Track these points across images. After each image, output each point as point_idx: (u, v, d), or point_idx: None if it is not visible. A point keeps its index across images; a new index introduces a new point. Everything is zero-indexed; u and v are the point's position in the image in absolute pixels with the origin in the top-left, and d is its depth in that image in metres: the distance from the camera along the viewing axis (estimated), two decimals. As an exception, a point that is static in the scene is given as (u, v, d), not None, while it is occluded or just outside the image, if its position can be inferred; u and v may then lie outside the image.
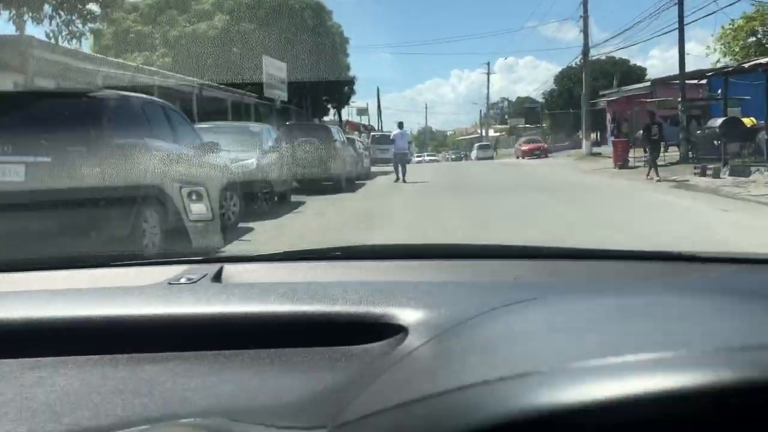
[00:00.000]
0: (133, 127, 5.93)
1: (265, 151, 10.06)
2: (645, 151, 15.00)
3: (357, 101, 37.98)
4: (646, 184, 13.21)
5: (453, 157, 42.80)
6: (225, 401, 0.66)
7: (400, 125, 18.40)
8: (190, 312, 0.82)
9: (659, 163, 15.40)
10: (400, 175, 16.40)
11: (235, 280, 1.12)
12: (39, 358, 0.76)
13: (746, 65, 15.55)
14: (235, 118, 15.74)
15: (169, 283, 1.05)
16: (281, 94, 18.96)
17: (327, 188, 13.49)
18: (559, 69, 46.69)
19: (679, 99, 17.95)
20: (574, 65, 37.22)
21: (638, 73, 39.78)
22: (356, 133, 28.85)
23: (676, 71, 18.78)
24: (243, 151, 9.56)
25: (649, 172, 14.07)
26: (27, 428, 0.63)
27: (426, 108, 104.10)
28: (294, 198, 11.54)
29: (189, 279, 1.07)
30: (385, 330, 0.75)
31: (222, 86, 16.66)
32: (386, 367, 0.63)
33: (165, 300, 0.87)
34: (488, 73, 55.71)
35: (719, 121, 14.23)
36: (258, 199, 9.37)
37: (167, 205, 5.50)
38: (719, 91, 18.32)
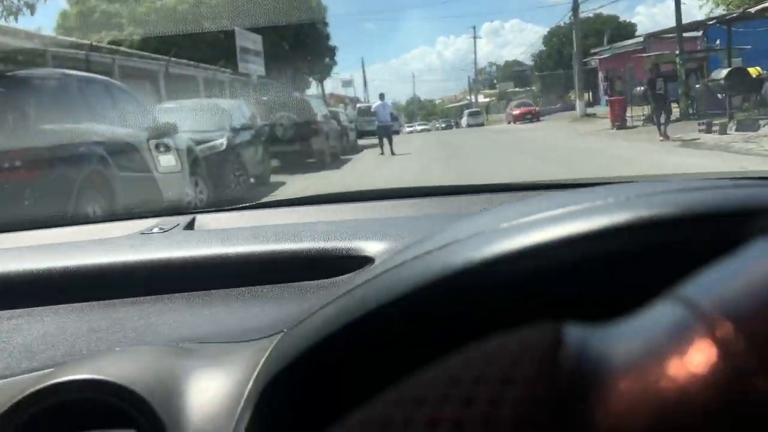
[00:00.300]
0: (66, 109, 5.09)
1: (236, 129, 9.16)
2: (652, 110, 14.02)
3: (341, 73, 36.88)
4: (651, 145, 12.36)
5: (443, 125, 41.65)
6: (195, 332, 0.67)
7: (381, 96, 17.68)
8: (161, 257, 0.84)
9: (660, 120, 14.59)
10: (386, 149, 15.67)
11: (207, 228, 1.14)
12: (15, 309, 0.78)
13: (753, 11, 14.63)
14: (209, 96, 14.77)
15: (142, 233, 1.08)
16: (258, 69, 17.92)
17: (310, 166, 12.68)
18: (546, 30, 45.64)
19: (677, 52, 17.04)
20: (562, 24, 36.26)
21: (628, 30, 38.78)
22: (341, 105, 27.89)
23: (664, 26, 17.88)
24: (211, 131, 8.69)
25: (662, 133, 13.16)
26: (3, 365, 0.65)
27: (413, 77, 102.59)
28: (274, 179, 10.74)
29: (161, 229, 1.10)
30: (354, 263, 0.76)
31: (192, 63, 15.63)
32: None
33: (137, 248, 0.88)
34: (474, 37, 54.50)
35: (724, 72, 13.37)
36: (230, 183, 8.57)
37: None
38: (717, 42, 17.43)
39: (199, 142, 8.01)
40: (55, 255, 0.89)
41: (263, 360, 0.51)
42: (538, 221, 0.40)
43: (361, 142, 19.96)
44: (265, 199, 1.74)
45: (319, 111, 14.41)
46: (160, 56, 14.00)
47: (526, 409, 0.17)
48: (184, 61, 15.31)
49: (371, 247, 0.79)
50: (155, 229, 1.11)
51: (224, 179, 8.28)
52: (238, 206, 1.38)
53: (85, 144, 5.05)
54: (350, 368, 0.43)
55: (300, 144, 12.93)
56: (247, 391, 0.52)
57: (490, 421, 0.17)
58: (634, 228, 0.35)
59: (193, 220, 1.17)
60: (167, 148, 6.73)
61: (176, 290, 0.79)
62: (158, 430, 0.53)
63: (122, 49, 12.66)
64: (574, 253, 0.37)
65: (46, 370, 0.59)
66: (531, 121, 30.16)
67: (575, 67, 25.57)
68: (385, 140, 15.80)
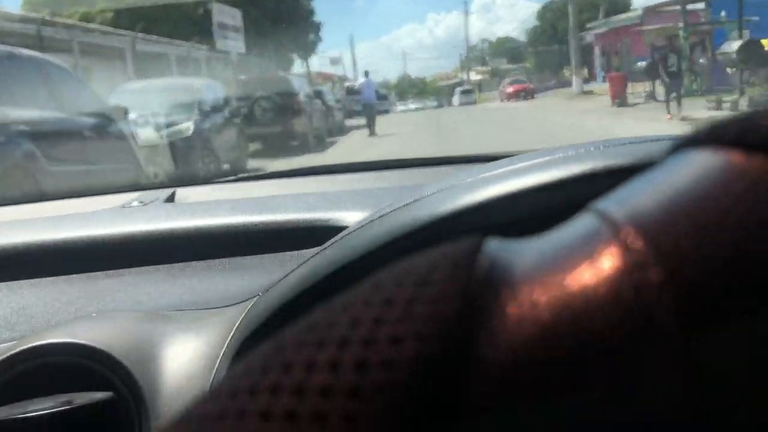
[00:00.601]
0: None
1: (206, 111, 8.24)
2: (666, 87, 13.05)
3: (329, 51, 35.72)
4: (661, 125, 11.49)
5: (435, 104, 40.48)
6: (175, 302, 0.67)
7: (366, 74, 16.92)
8: (141, 229, 0.83)
9: (660, 98, 13.74)
10: (371, 128, 15.09)
11: (187, 202, 1.13)
12: None
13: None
14: (183, 75, 13.77)
15: (122, 207, 1.09)
16: (237, 46, 16.92)
17: (292, 149, 11.79)
18: (540, 5, 44.58)
19: (681, 25, 16.14)
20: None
21: (624, 3, 37.80)
22: (329, 84, 26.92)
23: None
24: (177, 114, 7.79)
25: (671, 111, 12.27)
26: None
27: (404, 55, 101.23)
28: (253, 164, 9.86)
29: (141, 202, 1.11)
30: (333, 233, 0.70)
31: (162, 39, 14.60)
32: None
33: (117, 221, 0.87)
34: (466, 12, 53.42)
35: (736, 45, 12.47)
36: (199, 171, 7.70)
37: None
38: (723, 14, 16.53)
39: (162, 127, 7.13)
40: (33, 229, 0.88)
41: (239, 321, 0.54)
42: (496, 176, 0.42)
43: (350, 122, 19.04)
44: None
45: (302, 90, 13.47)
46: (124, 32, 13.00)
47: (434, 320, 0.17)
48: (154, 37, 14.28)
49: (350, 218, 0.79)
50: (135, 203, 1.11)
51: (191, 167, 7.41)
52: (218, 180, 1.39)
53: (2, 133, 4.16)
54: None
55: (281, 126, 12.02)
56: (223, 351, 0.54)
57: (397, 335, 0.17)
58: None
59: (174, 193, 1.17)
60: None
61: (157, 262, 0.79)
62: (135, 392, 0.53)
63: (80, 23, 11.61)
64: (524, 206, 0.40)
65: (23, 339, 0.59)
66: (525, 98, 29.30)
67: (571, 41, 24.59)
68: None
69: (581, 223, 0.19)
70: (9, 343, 0.59)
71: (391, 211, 0.46)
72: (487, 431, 0.17)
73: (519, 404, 0.17)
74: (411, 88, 58.30)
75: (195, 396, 0.17)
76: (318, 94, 15.71)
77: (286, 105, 12.04)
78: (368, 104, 15.77)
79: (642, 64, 15.62)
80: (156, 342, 0.57)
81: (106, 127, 5.16)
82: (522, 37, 44.17)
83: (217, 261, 0.78)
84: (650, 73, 14.75)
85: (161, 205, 1.09)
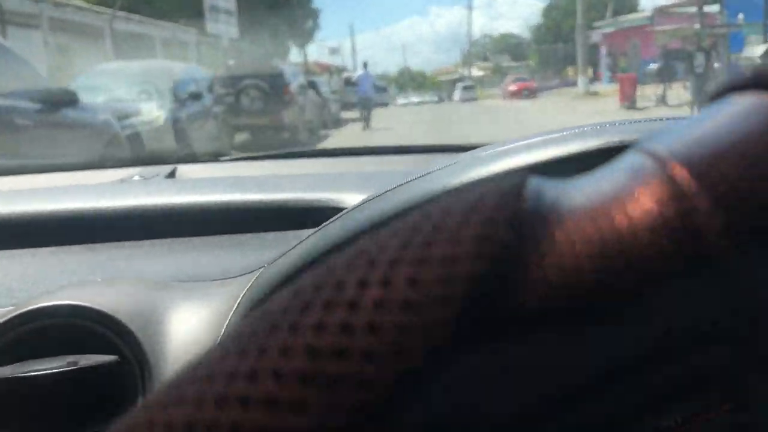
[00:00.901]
0: None
1: (182, 99, 7.44)
2: (693, 90, 12.26)
3: (329, 41, 34.79)
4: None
5: (436, 99, 39.56)
6: (176, 274, 0.68)
7: (364, 65, 16.24)
8: (142, 203, 0.84)
9: (671, 102, 13.02)
10: (366, 122, 14.57)
11: (188, 178, 1.15)
12: None
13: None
14: (169, 58, 12.91)
15: (122, 181, 1.09)
16: (229, 30, 16.09)
17: (281, 143, 11.02)
18: (542, 3, 43.74)
19: (697, 26, 15.37)
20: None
21: (632, 3, 37.04)
22: (326, 74, 26.10)
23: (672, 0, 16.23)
24: (148, 101, 7.00)
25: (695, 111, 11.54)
26: None
27: (404, 48, 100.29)
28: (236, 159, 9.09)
29: (142, 177, 1.11)
30: (333, 213, 0.70)
31: (144, 19, 13.72)
32: None
33: (118, 194, 0.88)
34: (470, 7, 52.56)
35: (760, 49, 11.74)
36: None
37: None
38: (740, 16, 15.78)
39: (127, 115, 6.33)
40: (33, 199, 0.89)
41: (245, 291, 0.55)
42: (512, 150, 0.42)
43: (347, 114, 18.26)
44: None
45: (295, 79, 12.66)
46: (101, 8, 12.13)
47: (484, 242, 0.18)
48: (136, 16, 13.40)
49: (350, 199, 0.80)
50: (136, 177, 1.12)
51: (161, 162, 6.62)
52: (219, 158, 1.40)
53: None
54: None
55: (270, 117, 11.23)
56: (228, 320, 0.54)
57: (448, 255, 0.18)
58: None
59: (174, 170, 1.17)
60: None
61: (157, 236, 0.80)
62: (140, 356, 0.54)
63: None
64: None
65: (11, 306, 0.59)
66: (528, 97, 28.55)
67: (578, 39, 23.77)
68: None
69: (627, 160, 0.20)
70: (8, 308, 0.59)
71: (397, 187, 0.46)
72: (535, 348, 0.18)
73: (567, 323, 0.17)
74: (411, 82, 57.44)
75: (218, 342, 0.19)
76: (312, 85, 14.91)
77: (275, 94, 11.25)
78: (365, 97, 15.14)
79: (654, 66, 14.85)
80: (160, 308, 0.57)
81: (49, 112, 4.37)
82: (525, 34, 43.32)
83: (217, 237, 0.79)
84: (663, 76, 14.01)
85: (162, 181, 1.11)
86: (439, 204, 0.20)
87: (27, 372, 0.52)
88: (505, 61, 46.14)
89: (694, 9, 16.41)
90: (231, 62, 13.36)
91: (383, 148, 1.51)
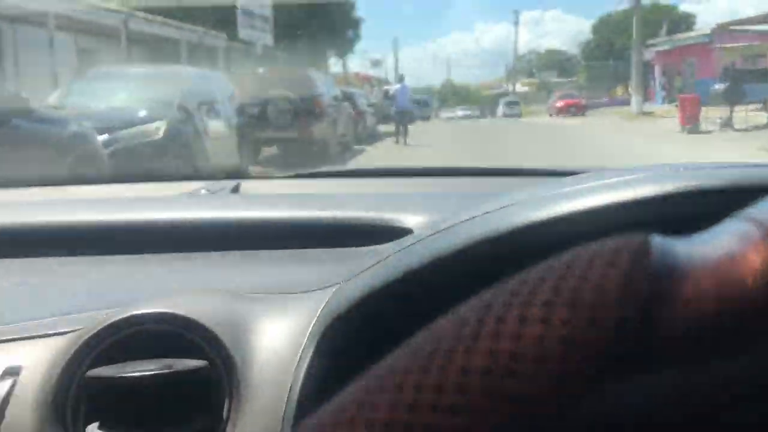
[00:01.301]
0: None
1: (188, 109, 6.55)
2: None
3: (372, 53, 33.93)
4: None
5: (477, 114, 38.34)
6: (246, 286, 0.70)
7: (401, 78, 15.44)
8: (206, 216, 0.88)
9: (738, 126, 11.78)
10: (403, 138, 13.78)
11: (252, 194, 1.18)
12: (75, 256, 0.82)
13: None
14: (195, 65, 12.07)
15: (191, 194, 1.11)
16: (263, 36, 15.29)
17: (309, 158, 10.11)
18: (589, 22, 42.43)
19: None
20: (614, 12, 33.18)
21: (687, 21, 35.54)
22: (366, 86, 25.27)
23: (730, 18, 14.95)
24: (151, 110, 6.14)
25: None
26: (70, 304, 0.67)
27: (448, 61, 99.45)
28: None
29: (208, 191, 1.13)
30: (392, 233, 0.80)
31: (167, 22, 12.88)
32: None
33: (182, 207, 0.95)
34: (516, 22, 51.43)
35: None
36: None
37: None
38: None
39: (116, 127, 5.45)
40: (108, 208, 0.94)
41: (323, 305, 0.58)
42: (593, 188, 0.45)
43: (386, 128, 17.33)
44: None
45: (328, 91, 11.77)
46: (116, 8, 11.36)
47: (626, 292, 0.22)
48: (158, 17, 12.59)
49: (410, 219, 0.82)
50: (202, 191, 1.13)
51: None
52: (281, 175, 1.44)
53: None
54: (407, 313, 0.47)
55: (298, 130, 10.35)
56: (308, 332, 0.57)
57: (596, 302, 0.22)
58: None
59: (238, 185, 1.19)
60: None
61: (225, 249, 0.82)
62: (227, 363, 0.57)
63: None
64: (620, 218, 0.41)
65: (116, 309, 0.63)
66: (575, 114, 27.30)
67: (634, 56, 22.39)
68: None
69: (733, 226, 0.23)
70: (99, 311, 0.63)
71: (482, 215, 0.49)
72: (664, 381, 0.22)
73: (692, 362, 0.22)
74: (453, 96, 56.45)
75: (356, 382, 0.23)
76: (348, 97, 14.05)
77: (305, 106, 10.37)
78: (401, 111, 14.33)
79: (719, 86, 13.61)
80: (244, 318, 0.61)
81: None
82: (572, 51, 42.03)
83: (278, 252, 0.82)
84: (730, 97, 12.78)
85: (228, 195, 1.12)
86: (579, 257, 0.23)
87: (128, 373, 0.55)
88: (551, 77, 44.91)
89: (759, 26, 15.16)
90: (260, 70, 12.54)
91: (437, 170, 1.57)
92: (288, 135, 10.29)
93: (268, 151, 10.61)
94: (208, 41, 14.44)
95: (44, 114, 4.14)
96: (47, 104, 6.38)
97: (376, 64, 37.46)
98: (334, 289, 0.60)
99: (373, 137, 15.61)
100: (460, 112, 37.22)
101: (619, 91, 33.08)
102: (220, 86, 8.07)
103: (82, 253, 0.82)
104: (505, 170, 1.44)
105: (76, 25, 10.59)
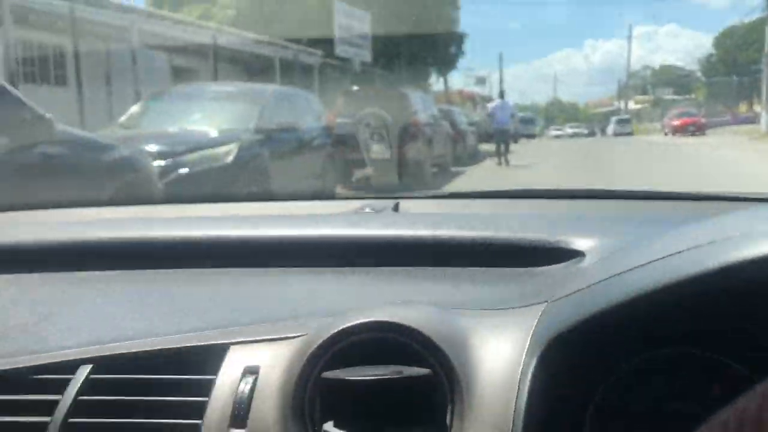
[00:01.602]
0: None
1: (267, 129, 5.99)
2: None
3: (477, 70, 33.02)
4: None
5: (586, 132, 36.60)
6: (436, 301, 0.71)
7: (501, 95, 14.69)
8: (376, 234, 0.93)
9: None
10: (503, 158, 13.05)
11: (414, 213, 1.19)
12: (260, 268, 0.90)
13: None
14: (287, 83, 11.67)
15: (356, 213, 1.15)
16: (361, 53, 14.82)
17: (402, 183, 9.46)
18: (707, 36, 39.97)
19: None
20: (737, 25, 30.93)
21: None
22: (469, 103, 24.48)
23: None
24: (224, 131, 5.63)
25: None
26: (274, 317, 0.72)
27: (555, 78, 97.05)
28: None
29: (372, 209, 1.17)
30: (562, 254, 0.80)
31: (262, 39, 12.54)
32: (572, 280, 0.69)
33: (353, 224, 0.99)
34: (629, 37, 49.28)
35: None
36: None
37: None
38: None
39: (184, 151, 4.95)
40: (279, 224, 0.98)
41: (536, 323, 0.60)
42: None
43: (485, 147, 16.48)
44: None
45: (424, 109, 11.10)
46: (209, 25, 11.10)
47: None
48: (249, 34, 12.25)
49: (581, 242, 0.81)
50: (366, 209, 1.16)
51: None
52: (438, 194, 1.48)
53: None
54: (615, 341, 0.52)
55: (391, 151, 9.69)
56: (526, 349, 0.59)
57: None
58: None
59: (398, 204, 1.21)
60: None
61: (393, 264, 0.86)
62: (450, 373, 0.59)
63: (169, 15, 9.76)
64: None
65: (334, 316, 0.65)
66: (693, 133, 25.44)
67: (765, 70, 20.52)
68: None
69: None
70: (320, 318, 0.67)
71: (688, 250, 0.50)
72: None
73: None
74: (561, 113, 54.71)
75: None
76: (447, 115, 13.34)
77: (399, 126, 9.72)
78: (501, 129, 13.54)
79: None
80: (460, 330, 0.62)
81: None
82: (690, 66, 39.60)
83: (450, 270, 0.84)
84: None
85: (392, 214, 1.14)
86: None
87: (363, 376, 0.58)
88: (666, 94, 42.52)
89: None
90: (354, 88, 12.01)
91: (591, 192, 1.50)
92: (380, 156, 9.66)
93: (360, 173, 10.04)
94: (302, 58, 14.09)
95: (80, 138, 3.65)
96: (117, 125, 6.02)
97: (480, 81, 36.50)
98: (537, 308, 0.62)
99: (474, 158, 14.81)
100: (569, 130, 35.81)
101: (743, 108, 30.76)
102: (307, 105, 7.53)
103: (274, 266, 0.89)
104: (668, 194, 1.40)
105: (169, 42, 10.46)
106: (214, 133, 5.55)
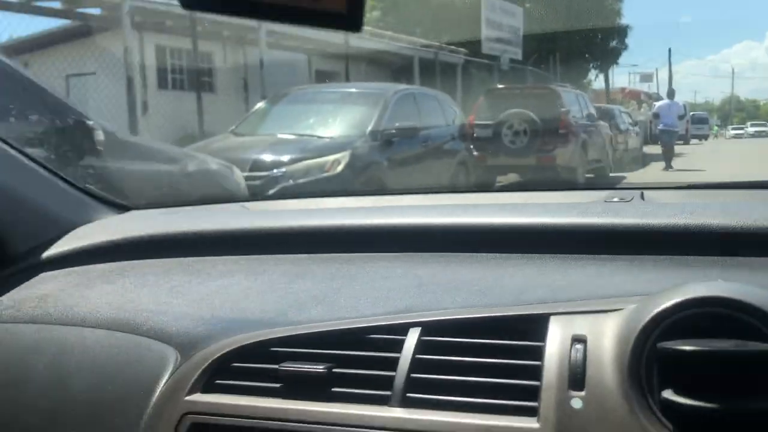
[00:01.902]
0: None
1: (384, 136, 5.36)
2: None
3: (642, 67, 30.77)
4: None
5: (763, 131, 33.01)
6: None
7: (670, 94, 13.47)
8: (632, 222, 0.92)
9: None
10: (672, 163, 11.89)
11: (660, 202, 1.17)
12: (504, 254, 0.93)
13: None
14: (427, 84, 11.01)
15: (606, 201, 1.14)
16: (511, 50, 13.86)
17: (551, 190, 8.52)
18: None
19: None
20: None
21: None
22: (633, 102, 22.69)
23: None
24: (337, 138, 5.08)
25: None
26: (474, 302, 0.78)
27: (732, 74, 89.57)
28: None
29: (622, 198, 1.16)
30: None
31: (401, 38, 11.96)
32: None
33: (606, 212, 0.98)
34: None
35: None
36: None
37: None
38: None
39: (291, 161, 4.44)
40: (535, 214, 1.00)
41: None
42: None
43: (649, 149, 15.01)
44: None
45: (579, 108, 10.03)
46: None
47: None
48: (388, 34, 11.65)
49: None
50: (615, 199, 1.16)
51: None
52: (680, 185, 1.43)
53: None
54: None
55: (537, 157, 8.79)
56: None
57: None
58: None
59: (642, 193, 1.21)
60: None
61: (646, 253, 0.87)
62: None
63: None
64: None
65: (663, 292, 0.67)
66: None
67: None
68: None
69: None
70: (630, 297, 0.71)
71: None
72: None
73: None
74: (739, 112, 50.15)
75: None
76: (607, 114, 12.15)
77: (546, 128, 8.77)
78: (667, 131, 12.32)
79: None
80: None
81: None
82: None
83: (724, 259, 0.84)
84: None
85: (642, 203, 1.13)
86: None
87: (708, 347, 0.60)
88: None
89: None
90: (499, 86, 11.13)
91: None
92: (524, 162, 8.78)
93: (504, 179, 9.22)
94: (443, 57, 13.36)
95: (146, 148, 3.19)
96: (229, 132, 5.64)
97: (645, 78, 33.96)
98: None
99: (636, 161, 13.46)
100: (751, 129, 32.53)
101: None
102: (437, 106, 6.84)
103: (533, 252, 0.91)
104: None
105: (310, 44, 10.24)
106: (326, 140, 5.00)
